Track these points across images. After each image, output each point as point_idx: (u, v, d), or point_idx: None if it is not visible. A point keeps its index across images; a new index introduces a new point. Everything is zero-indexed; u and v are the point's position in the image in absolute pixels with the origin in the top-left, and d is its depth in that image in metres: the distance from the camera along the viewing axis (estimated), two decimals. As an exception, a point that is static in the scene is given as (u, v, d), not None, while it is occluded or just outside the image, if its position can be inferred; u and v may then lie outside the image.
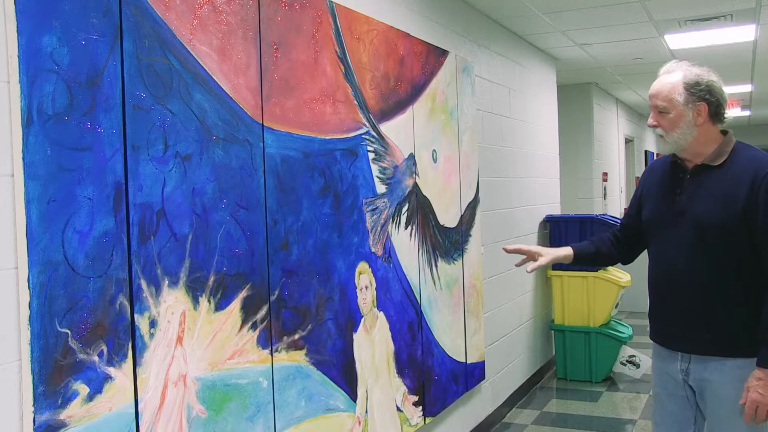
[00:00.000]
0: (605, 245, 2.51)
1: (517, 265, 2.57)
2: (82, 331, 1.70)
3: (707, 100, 2.15)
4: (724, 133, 2.23)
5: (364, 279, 2.92)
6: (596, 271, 5.30)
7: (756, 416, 2.04)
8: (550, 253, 2.47)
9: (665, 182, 2.28)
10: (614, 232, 2.53)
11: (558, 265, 5.50)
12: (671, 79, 2.18)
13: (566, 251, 2.49)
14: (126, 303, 1.82)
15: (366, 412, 2.88)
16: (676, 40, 5.68)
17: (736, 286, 2.11)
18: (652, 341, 2.36)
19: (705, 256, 2.13)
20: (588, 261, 2.58)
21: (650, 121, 2.23)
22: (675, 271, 2.20)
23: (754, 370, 2.04)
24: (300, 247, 2.51)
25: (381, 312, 3.04)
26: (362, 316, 2.89)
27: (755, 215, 2.06)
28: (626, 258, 2.53)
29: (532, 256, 2.47)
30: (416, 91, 3.42)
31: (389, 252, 3.12)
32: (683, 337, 2.20)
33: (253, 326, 2.27)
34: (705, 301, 2.14)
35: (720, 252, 2.11)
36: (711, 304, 2.13)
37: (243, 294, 2.23)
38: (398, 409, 3.14)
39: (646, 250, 2.43)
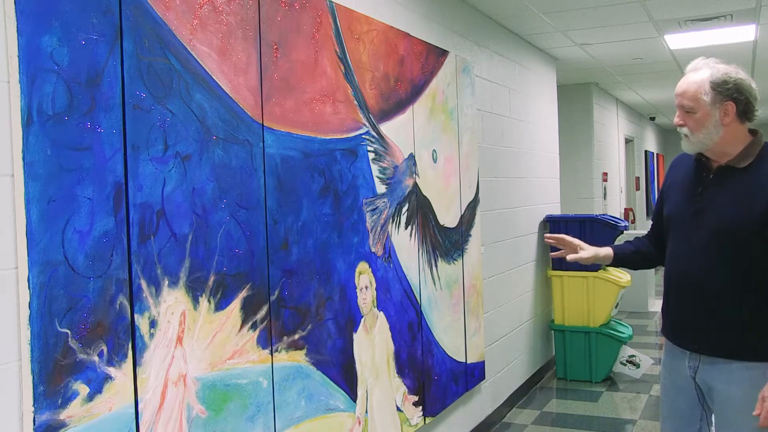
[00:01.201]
0: (643, 244, 2.48)
1: (554, 256, 2.58)
2: (82, 331, 1.70)
3: (735, 98, 2.09)
4: (753, 132, 2.18)
5: (364, 279, 2.92)
6: (596, 270, 5.30)
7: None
8: (592, 250, 2.46)
9: (688, 180, 2.24)
10: (648, 234, 2.51)
11: (558, 265, 5.51)
12: (698, 77, 2.11)
13: (606, 251, 2.46)
14: (126, 303, 1.82)
15: (366, 412, 2.88)
16: (676, 40, 5.68)
17: (749, 290, 2.08)
18: (664, 336, 2.34)
19: (720, 258, 2.11)
20: (629, 262, 2.52)
21: (676, 120, 2.18)
22: (690, 270, 2.18)
23: None
24: (300, 247, 2.51)
25: (381, 312, 3.04)
26: (362, 316, 2.89)
27: None
28: (660, 257, 2.45)
29: (573, 249, 2.47)
30: (416, 91, 3.42)
31: (389, 252, 3.12)
32: (693, 337, 2.19)
33: (253, 326, 2.27)
34: (717, 303, 2.12)
35: (735, 255, 2.09)
36: (723, 306, 2.11)
37: (243, 294, 2.23)
38: (398, 409, 3.14)
39: None
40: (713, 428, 2.23)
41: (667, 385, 2.33)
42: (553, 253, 2.60)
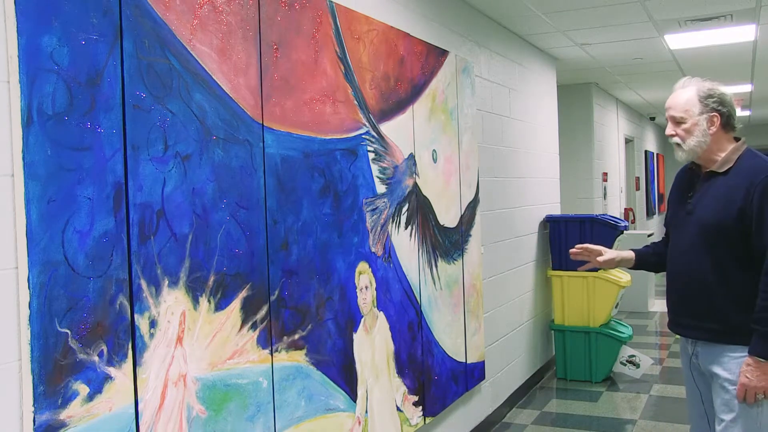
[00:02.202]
0: (659, 247, 2.69)
1: (583, 269, 2.81)
2: (82, 331, 1.70)
3: (719, 110, 2.36)
4: (738, 140, 2.43)
5: (364, 279, 2.92)
6: (596, 271, 5.30)
7: (746, 399, 2.25)
8: (613, 252, 2.70)
9: (683, 187, 2.53)
10: (662, 239, 2.71)
11: (558, 265, 5.51)
12: (686, 93, 2.40)
13: (629, 253, 2.72)
14: (126, 303, 1.82)
15: (366, 412, 2.88)
16: (676, 40, 5.67)
17: (734, 280, 2.31)
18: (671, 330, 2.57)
19: (707, 253, 2.34)
20: (649, 264, 2.74)
21: (668, 131, 2.44)
22: (683, 266, 2.43)
23: (746, 357, 2.26)
24: (300, 247, 2.51)
25: (381, 312, 3.04)
26: (362, 316, 2.89)
27: (750, 216, 2.26)
28: None
29: (599, 253, 2.69)
30: (416, 91, 3.42)
31: (389, 252, 3.12)
32: (690, 326, 2.42)
33: (253, 326, 2.27)
34: (708, 294, 2.35)
35: (720, 249, 2.33)
36: (713, 296, 2.34)
37: (243, 294, 2.23)
38: (398, 409, 3.14)
39: None
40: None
41: (686, 372, 2.55)
42: (580, 268, 2.81)
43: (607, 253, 2.67)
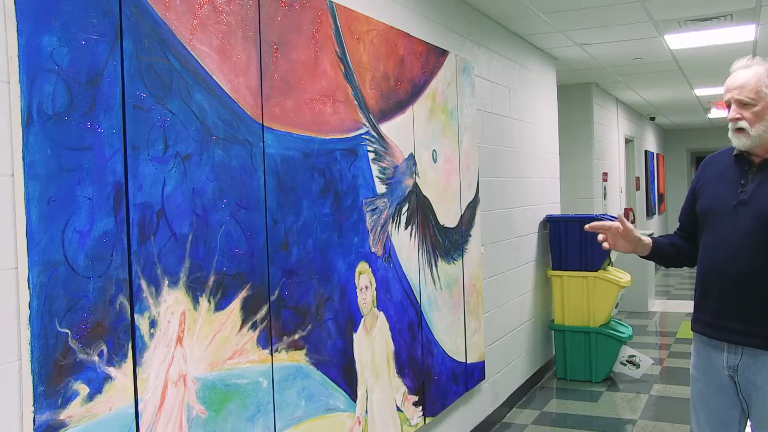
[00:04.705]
0: (675, 240, 2.47)
1: (606, 248, 2.47)
2: (82, 331, 1.70)
3: None
4: None
5: (364, 279, 2.92)
6: (596, 270, 5.30)
7: None
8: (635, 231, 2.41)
9: (728, 175, 2.26)
10: (677, 233, 2.49)
11: (558, 265, 5.51)
12: (753, 71, 2.16)
13: (647, 239, 2.42)
14: (126, 303, 1.83)
15: (366, 412, 2.88)
16: (676, 40, 5.68)
17: None
18: (696, 333, 2.31)
19: (765, 249, 2.10)
20: (664, 256, 2.48)
21: (732, 114, 2.18)
22: (733, 260, 2.16)
23: None
24: (300, 247, 2.51)
25: (381, 312, 3.04)
26: (362, 316, 2.89)
27: None
28: (696, 255, 2.40)
29: (615, 229, 2.39)
30: (416, 91, 3.42)
31: (389, 252, 3.12)
32: (738, 330, 2.15)
33: (253, 326, 2.27)
34: (764, 295, 2.11)
35: None
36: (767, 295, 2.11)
37: (243, 294, 2.23)
38: (398, 409, 3.14)
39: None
40: (748, 429, 2.18)
41: (702, 387, 2.28)
42: (605, 245, 2.46)
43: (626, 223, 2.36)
